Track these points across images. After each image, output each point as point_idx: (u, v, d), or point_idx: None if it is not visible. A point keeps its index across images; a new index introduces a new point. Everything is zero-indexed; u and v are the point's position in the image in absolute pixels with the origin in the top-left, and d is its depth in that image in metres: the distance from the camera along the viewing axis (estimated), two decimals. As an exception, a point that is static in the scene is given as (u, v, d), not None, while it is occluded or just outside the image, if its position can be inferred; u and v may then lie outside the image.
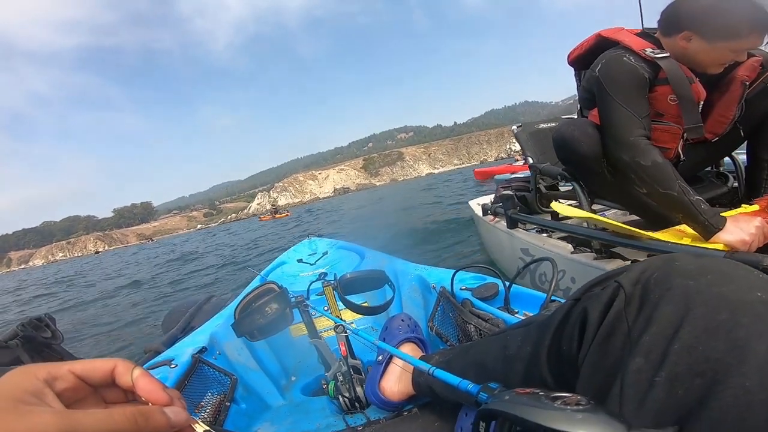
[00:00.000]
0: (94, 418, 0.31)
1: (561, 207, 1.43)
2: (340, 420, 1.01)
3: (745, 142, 1.61)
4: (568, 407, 0.30)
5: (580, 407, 0.29)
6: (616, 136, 1.37)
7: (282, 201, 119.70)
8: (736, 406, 0.32)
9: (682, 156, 1.52)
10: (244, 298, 1.13)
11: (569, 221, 2.03)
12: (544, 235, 2.05)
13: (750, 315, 0.36)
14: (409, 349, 1.06)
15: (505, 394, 0.37)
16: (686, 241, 1.27)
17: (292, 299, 1.13)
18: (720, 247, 1.18)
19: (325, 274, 1.30)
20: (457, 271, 1.28)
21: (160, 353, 1.24)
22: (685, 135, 1.46)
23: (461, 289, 1.24)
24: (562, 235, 1.93)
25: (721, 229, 1.19)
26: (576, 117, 1.81)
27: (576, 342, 0.51)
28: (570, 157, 1.58)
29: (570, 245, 1.75)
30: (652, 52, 1.37)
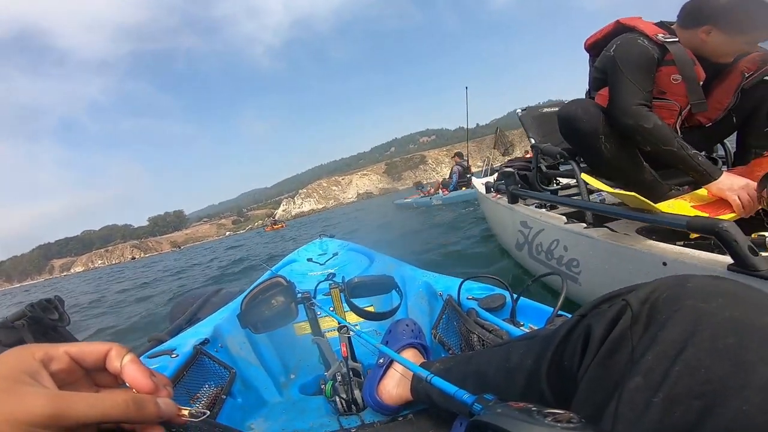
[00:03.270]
0: (86, 401, 0.31)
1: (591, 179, 1.57)
2: (334, 421, 1.00)
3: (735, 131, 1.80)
4: (559, 424, 0.29)
5: (570, 425, 0.28)
6: (620, 104, 1.53)
7: (306, 207, 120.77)
8: (732, 430, 0.31)
9: (679, 134, 1.67)
10: (252, 290, 1.14)
11: (567, 192, 2.31)
12: (542, 209, 2.18)
13: (758, 339, 0.35)
14: (411, 355, 1.05)
15: (498, 406, 0.36)
16: (686, 211, 1.42)
17: (299, 295, 1.13)
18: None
19: (333, 274, 1.30)
20: (464, 281, 1.27)
21: (163, 342, 1.25)
22: (683, 113, 1.65)
23: (468, 298, 1.22)
24: (566, 210, 2.08)
25: (716, 179, 1.39)
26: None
27: (578, 358, 0.50)
28: (571, 133, 1.71)
29: (564, 217, 1.88)
30: (663, 36, 1.55)
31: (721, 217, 1.30)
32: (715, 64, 1.58)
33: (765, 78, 1.62)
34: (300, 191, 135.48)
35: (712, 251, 1.18)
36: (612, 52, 1.60)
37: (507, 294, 1.18)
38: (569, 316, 0.77)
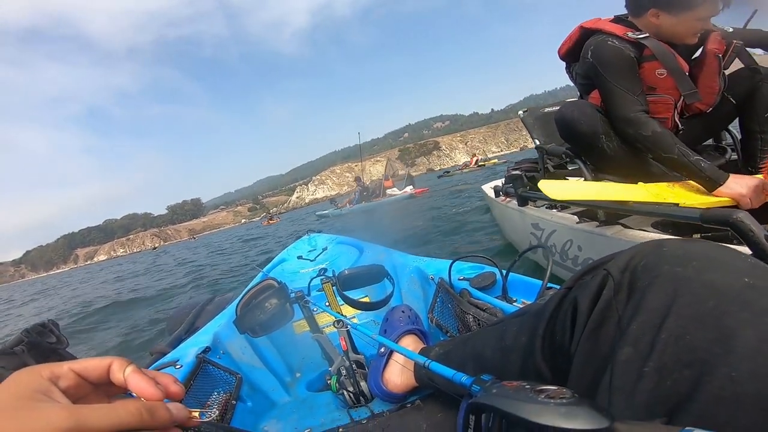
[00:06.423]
0: (101, 412, 0.32)
1: (548, 188, 1.50)
2: (344, 414, 1.02)
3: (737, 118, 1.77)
4: (552, 401, 0.30)
5: (564, 401, 0.30)
6: (618, 114, 1.54)
7: (320, 193, 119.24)
8: (723, 398, 0.32)
9: (680, 126, 1.67)
10: (245, 295, 1.15)
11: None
12: (553, 210, 2.15)
13: (737, 302, 0.36)
14: (410, 341, 1.06)
15: (494, 387, 0.37)
16: (683, 194, 1.41)
17: (292, 294, 1.14)
18: (710, 200, 1.35)
19: (325, 269, 1.31)
20: (454, 262, 1.29)
21: (165, 354, 1.26)
22: (678, 105, 1.63)
23: (459, 279, 1.25)
24: (576, 210, 2.02)
25: (722, 184, 1.35)
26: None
27: (568, 332, 0.51)
28: (571, 136, 1.73)
29: (575, 217, 1.86)
30: (634, 34, 1.55)
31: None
32: (686, 51, 1.59)
33: (753, 66, 1.62)
34: (314, 178, 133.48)
35: (731, 242, 1.14)
36: (590, 59, 1.61)
37: (497, 271, 1.20)
38: (558, 287, 0.79)
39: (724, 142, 1.97)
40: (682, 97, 1.59)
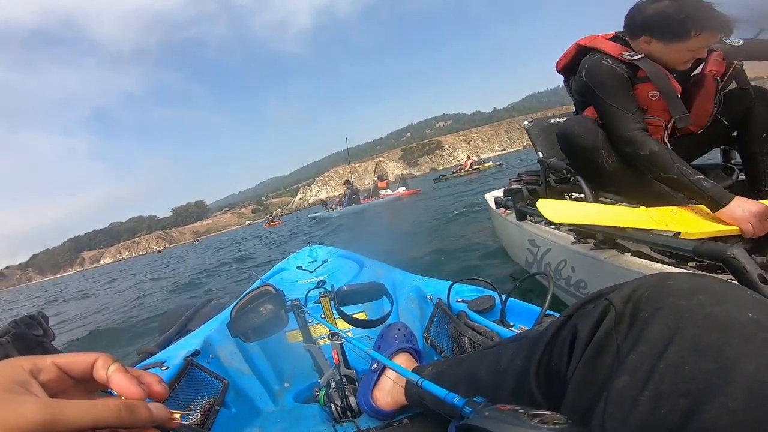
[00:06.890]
0: (78, 407, 0.32)
1: (546, 209, 1.47)
2: (330, 428, 1.00)
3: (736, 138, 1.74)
4: (545, 426, 0.29)
5: (557, 427, 0.29)
6: (616, 134, 1.53)
7: (323, 194, 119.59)
8: (718, 427, 0.32)
9: (668, 146, 1.66)
10: (241, 299, 1.14)
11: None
12: (552, 227, 2.09)
13: (740, 335, 0.35)
14: (403, 359, 1.05)
15: (487, 409, 0.36)
16: (687, 220, 1.37)
17: (288, 302, 1.13)
18: (713, 229, 1.31)
19: (324, 281, 1.30)
20: (453, 283, 1.28)
21: (153, 355, 1.24)
22: (668, 127, 1.64)
23: (457, 301, 1.23)
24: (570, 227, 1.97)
25: (725, 205, 1.30)
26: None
27: (566, 358, 0.50)
28: (571, 150, 1.71)
29: (571, 236, 1.82)
30: (629, 54, 1.55)
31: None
32: (683, 73, 1.59)
33: (744, 88, 1.62)
34: (317, 179, 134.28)
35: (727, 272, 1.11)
36: (584, 77, 1.61)
37: (496, 295, 1.18)
38: (557, 315, 0.77)
39: (733, 162, 1.91)
40: (672, 120, 1.59)
